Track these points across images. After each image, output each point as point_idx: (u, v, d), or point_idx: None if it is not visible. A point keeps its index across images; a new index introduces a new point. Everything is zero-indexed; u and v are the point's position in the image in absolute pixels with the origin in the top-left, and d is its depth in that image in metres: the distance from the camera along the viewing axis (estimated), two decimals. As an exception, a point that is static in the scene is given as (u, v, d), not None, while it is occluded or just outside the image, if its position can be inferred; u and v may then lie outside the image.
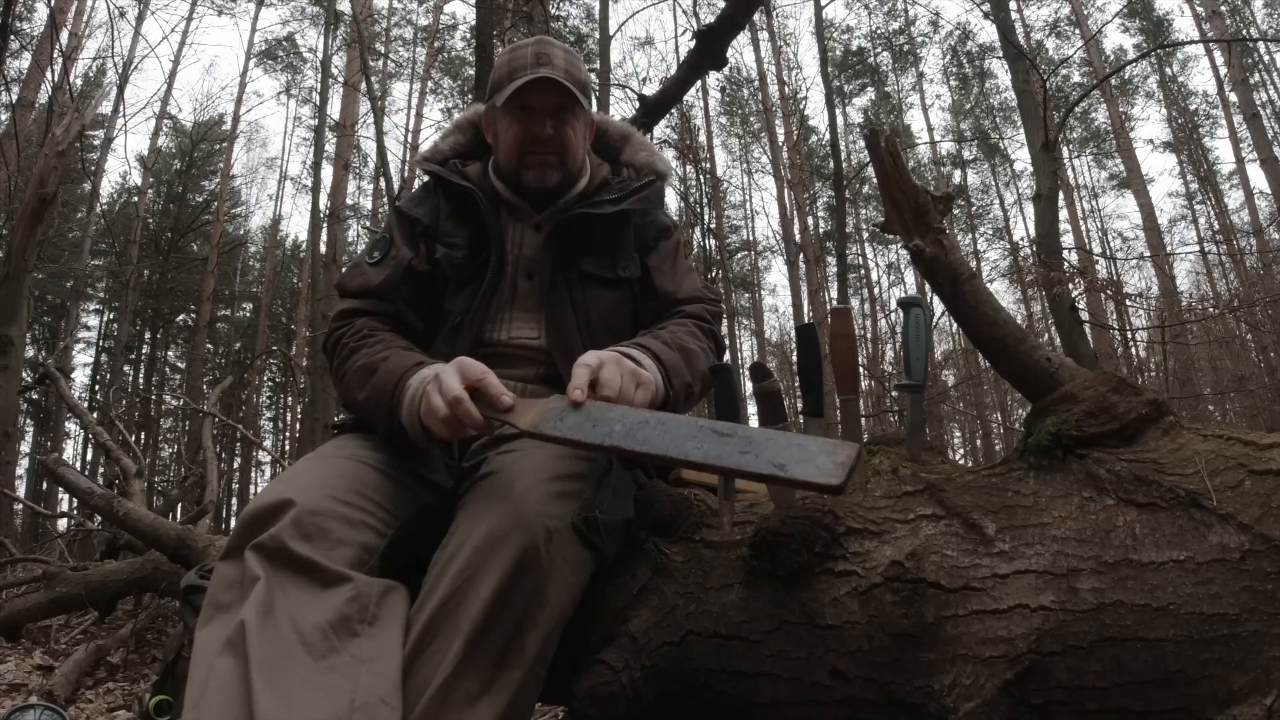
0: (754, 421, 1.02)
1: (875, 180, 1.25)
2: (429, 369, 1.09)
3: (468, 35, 14.33)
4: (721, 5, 3.69)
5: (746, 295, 19.89)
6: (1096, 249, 15.72)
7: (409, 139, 15.94)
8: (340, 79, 12.90)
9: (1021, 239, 13.86)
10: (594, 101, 1.46)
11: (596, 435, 0.88)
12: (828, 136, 12.21)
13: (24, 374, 5.34)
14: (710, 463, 0.80)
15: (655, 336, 1.19)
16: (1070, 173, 18.43)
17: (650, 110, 3.57)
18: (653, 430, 0.85)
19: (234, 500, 16.23)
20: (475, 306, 1.26)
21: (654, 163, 1.40)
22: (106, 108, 13.70)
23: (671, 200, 14.46)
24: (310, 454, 1.13)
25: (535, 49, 1.28)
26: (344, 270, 1.42)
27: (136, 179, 16.29)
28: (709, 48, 3.25)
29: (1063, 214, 10.28)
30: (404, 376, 1.10)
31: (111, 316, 16.50)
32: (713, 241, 13.16)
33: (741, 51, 18.56)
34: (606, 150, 1.45)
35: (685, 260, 1.41)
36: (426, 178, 1.39)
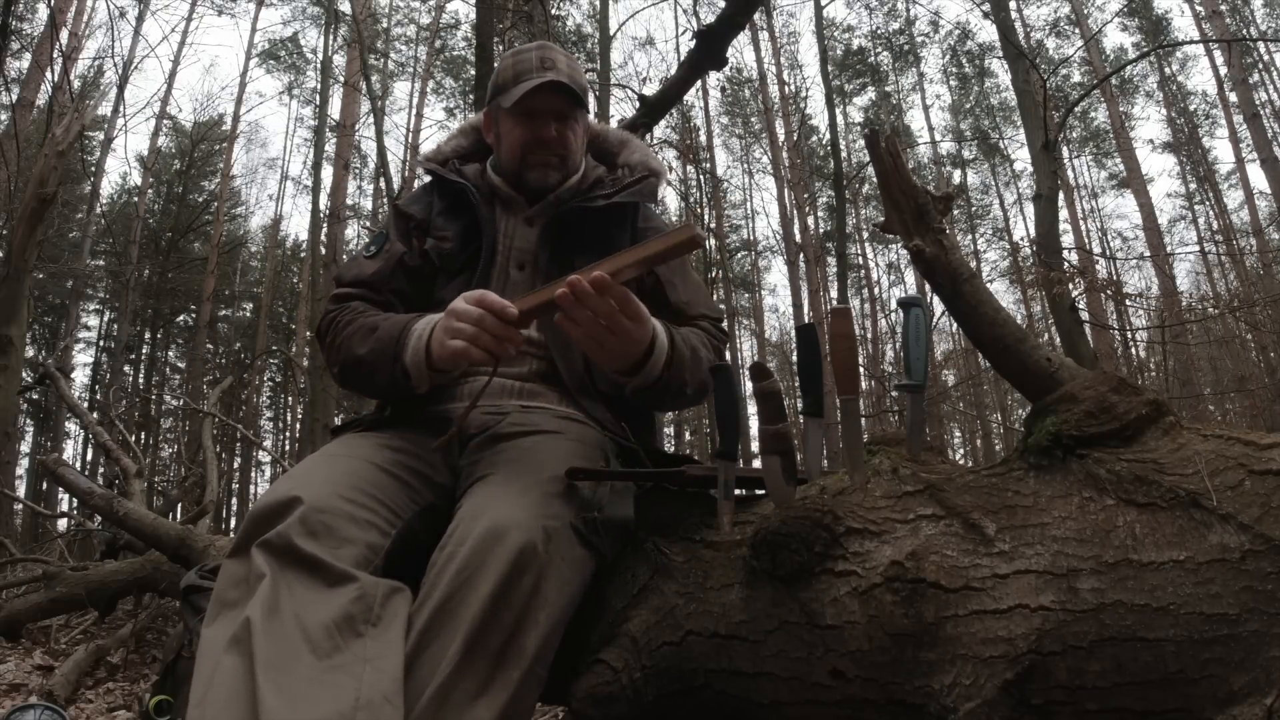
0: (754, 421, 1.02)
1: (875, 180, 1.26)
2: (432, 315, 1.16)
3: (469, 35, 14.32)
4: (721, 5, 3.69)
5: (746, 295, 19.88)
6: (1096, 249, 15.70)
7: (409, 139, 15.93)
8: (341, 79, 12.89)
9: (1021, 239, 13.86)
10: (592, 103, 1.49)
11: None
12: (828, 136, 12.21)
13: (24, 374, 5.33)
14: None
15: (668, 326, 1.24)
16: (1070, 173, 18.42)
17: (650, 110, 3.57)
18: None
19: (234, 500, 16.22)
20: None
21: (648, 161, 1.44)
22: (106, 108, 13.70)
23: (671, 200, 14.47)
24: (318, 452, 1.14)
25: (539, 53, 1.33)
26: (343, 263, 1.51)
27: (136, 179, 16.27)
28: (709, 48, 3.25)
29: (1063, 214, 10.28)
30: (409, 324, 1.17)
31: (111, 316, 16.48)
32: (713, 241, 13.14)
33: (742, 51, 18.58)
34: (604, 156, 1.49)
35: (694, 274, 1.46)
36: (428, 178, 1.44)
